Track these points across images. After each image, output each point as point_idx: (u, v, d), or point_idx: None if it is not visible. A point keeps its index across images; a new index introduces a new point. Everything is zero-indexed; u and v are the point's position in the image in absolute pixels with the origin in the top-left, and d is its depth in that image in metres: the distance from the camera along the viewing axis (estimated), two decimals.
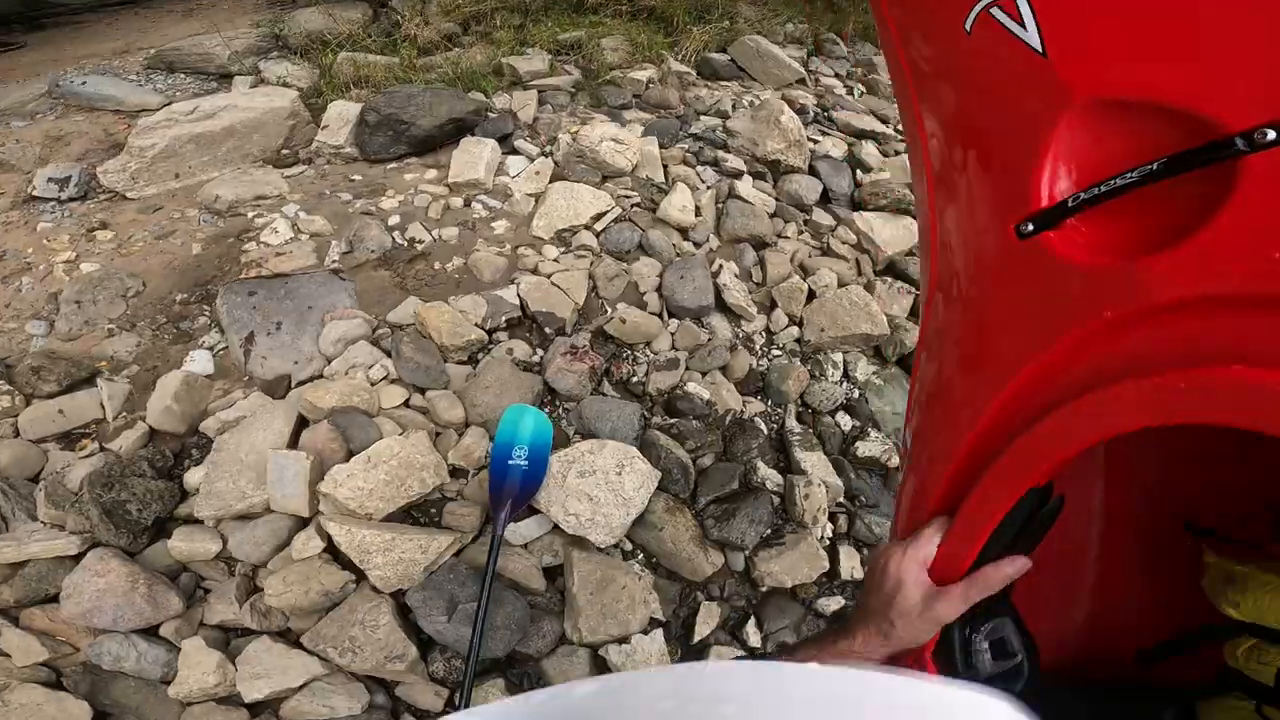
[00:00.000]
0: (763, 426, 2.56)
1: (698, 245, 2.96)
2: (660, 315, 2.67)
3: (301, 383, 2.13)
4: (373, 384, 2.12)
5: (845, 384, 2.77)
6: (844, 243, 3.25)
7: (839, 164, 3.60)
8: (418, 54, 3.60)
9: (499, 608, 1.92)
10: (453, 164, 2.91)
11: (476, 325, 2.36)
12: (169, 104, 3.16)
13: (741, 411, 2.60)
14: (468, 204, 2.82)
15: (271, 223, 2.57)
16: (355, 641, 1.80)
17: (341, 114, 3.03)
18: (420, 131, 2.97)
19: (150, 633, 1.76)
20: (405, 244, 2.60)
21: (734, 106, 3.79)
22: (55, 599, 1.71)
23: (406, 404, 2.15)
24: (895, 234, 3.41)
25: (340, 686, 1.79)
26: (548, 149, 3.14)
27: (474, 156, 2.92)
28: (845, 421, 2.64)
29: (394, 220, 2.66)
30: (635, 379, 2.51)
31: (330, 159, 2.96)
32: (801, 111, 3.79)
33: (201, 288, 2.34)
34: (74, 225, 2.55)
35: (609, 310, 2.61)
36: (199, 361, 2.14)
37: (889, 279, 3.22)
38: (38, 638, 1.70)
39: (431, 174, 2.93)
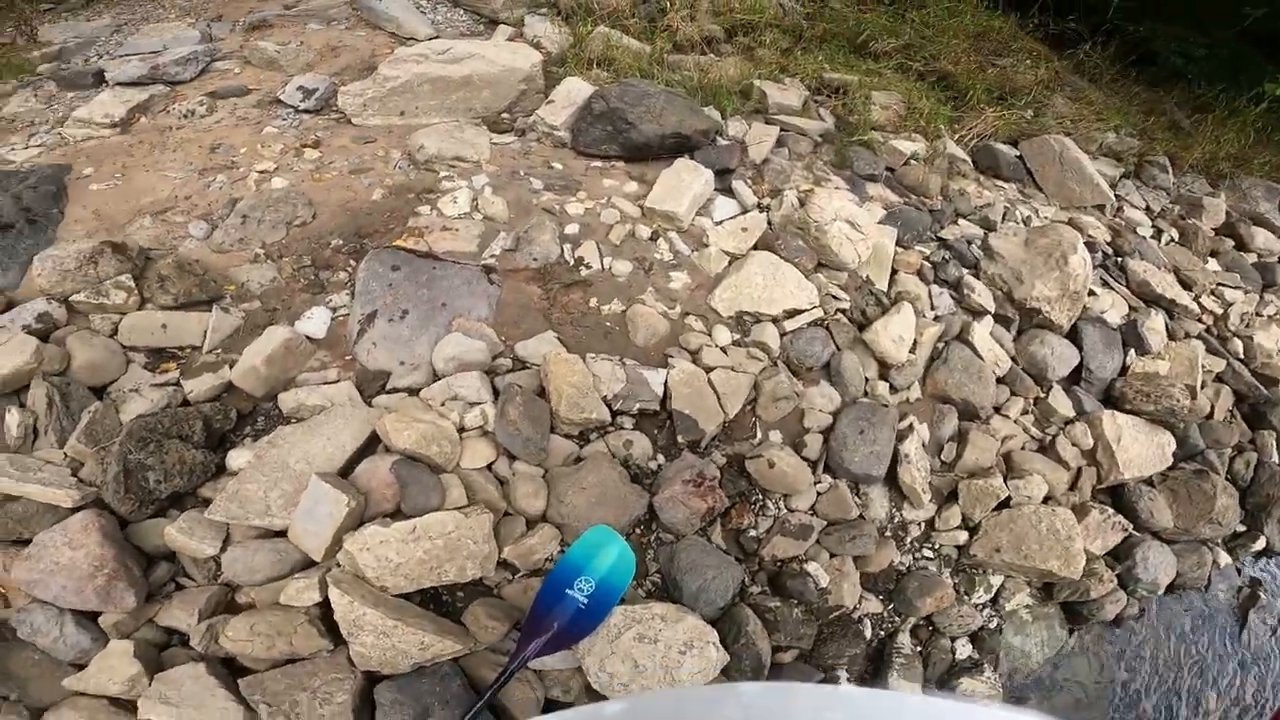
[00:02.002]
0: (868, 632, 1.92)
1: (894, 390, 2.16)
2: (815, 466, 1.94)
3: (397, 390, 1.69)
4: (462, 431, 1.62)
5: (988, 610, 2.07)
6: (1074, 444, 2.28)
7: (1111, 334, 2.55)
8: (672, 49, 2.98)
9: None
10: (657, 184, 2.30)
11: (604, 402, 1.78)
12: (433, 38, 2.84)
13: (854, 609, 1.90)
14: (654, 238, 2.21)
15: (455, 191, 2.13)
16: (297, 708, 1.37)
17: (570, 93, 2.52)
18: (639, 137, 2.38)
19: (87, 617, 1.44)
20: (571, 262, 2.06)
21: (1004, 216, 2.81)
22: (27, 543, 1.42)
23: (489, 467, 1.64)
24: (1145, 453, 2.36)
25: None
26: (766, 202, 2.42)
27: (682, 184, 2.29)
28: (963, 650, 2.00)
29: (571, 230, 2.12)
30: (753, 534, 1.83)
31: (541, 138, 2.48)
32: (1090, 247, 2.72)
33: (359, 239, 1.97)
34: (293, 137, 2.29)
35: (760, 436, 1.92)
36: (315, 320, 1.77)
37: (1109, 508, 2.21)
38: None
39: (632, 187, 2.34)
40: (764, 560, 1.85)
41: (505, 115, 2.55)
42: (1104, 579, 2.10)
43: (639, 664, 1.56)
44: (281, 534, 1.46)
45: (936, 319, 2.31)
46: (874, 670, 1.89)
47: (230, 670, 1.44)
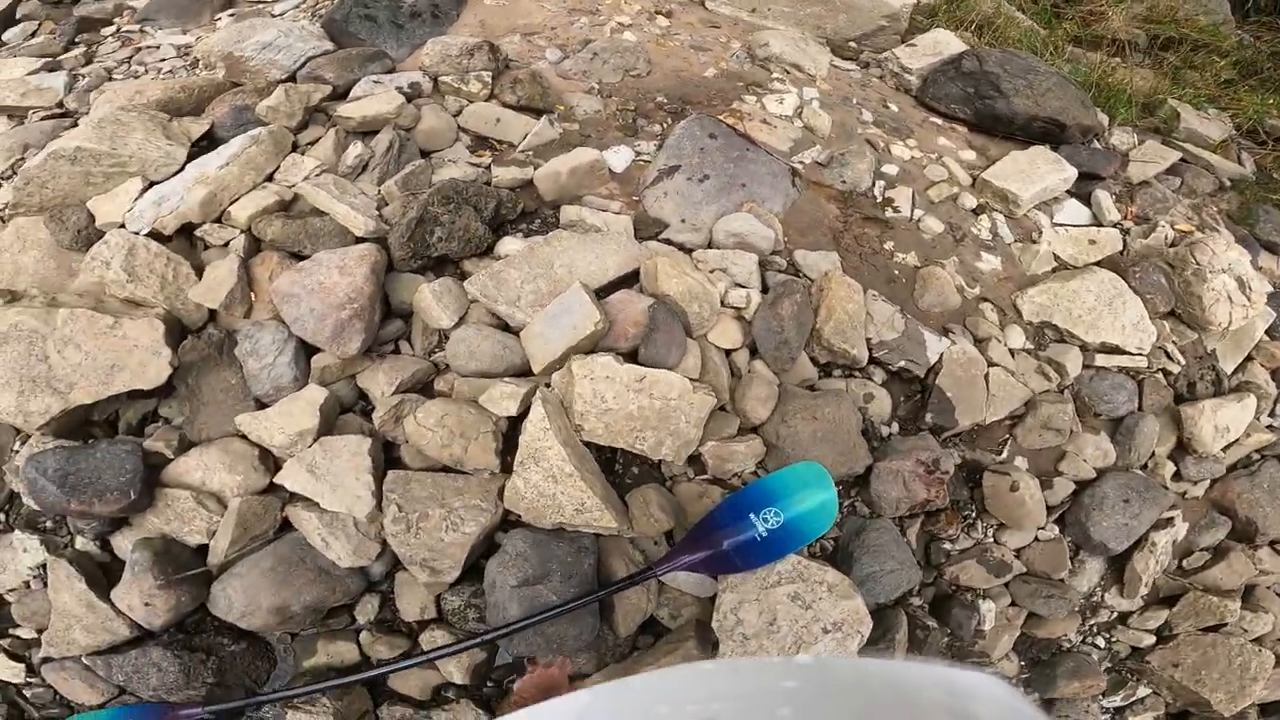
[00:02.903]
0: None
1: (1178, 479, 1.75)
2: (1049, 509, 1.61)
3: (671, 243, 1.56)
4: (721, 305, 1.44)
5: (1108, 716, 1.87)
6: None
7: None
8: (1071, 42, 2.47)
9: (568, 625, 1.26)
10: (1004, 161, 1.90)
11: (868, 343, 1.48)
12: None
13: (988, 664, 1.67)
14: (978, 212, 1.82)
15: (784, 94, 1.95)
16: (424, 522, 1.31)
17: (938, 43, 2.19)
18: (1005, 109, 1.98)
19: (305, 354, 1.42)
20: (879, 199, 1.77)
21: None
22: (302, 259, 1.46)
23: (729, 353, 1.44)
24: None
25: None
26: (1127, 225, 1.88)
27: (1033, 171, 1.86)
28: None
29: (889, 169, 1.83)
30: (947, 547, 1.50)
31: (886, 76, 2.19)
32: None
33: (681, 104, 1.88)
34: (651, 2, 2.27)
35: (1006, 455, 1.54)
36: (620, 156, 1.71)
37: None
38: (239, 281, 1.42)
39: (968, 155, 1.97)
40: (943, 578, 1.56)
41: (853, 44, 2.30)
42: None
43: (776, 622, 1.30)
44: (515, 332, 1.40)
45: (1271, 428, 1.81)
46: None
47: (386, 460, 1.40)
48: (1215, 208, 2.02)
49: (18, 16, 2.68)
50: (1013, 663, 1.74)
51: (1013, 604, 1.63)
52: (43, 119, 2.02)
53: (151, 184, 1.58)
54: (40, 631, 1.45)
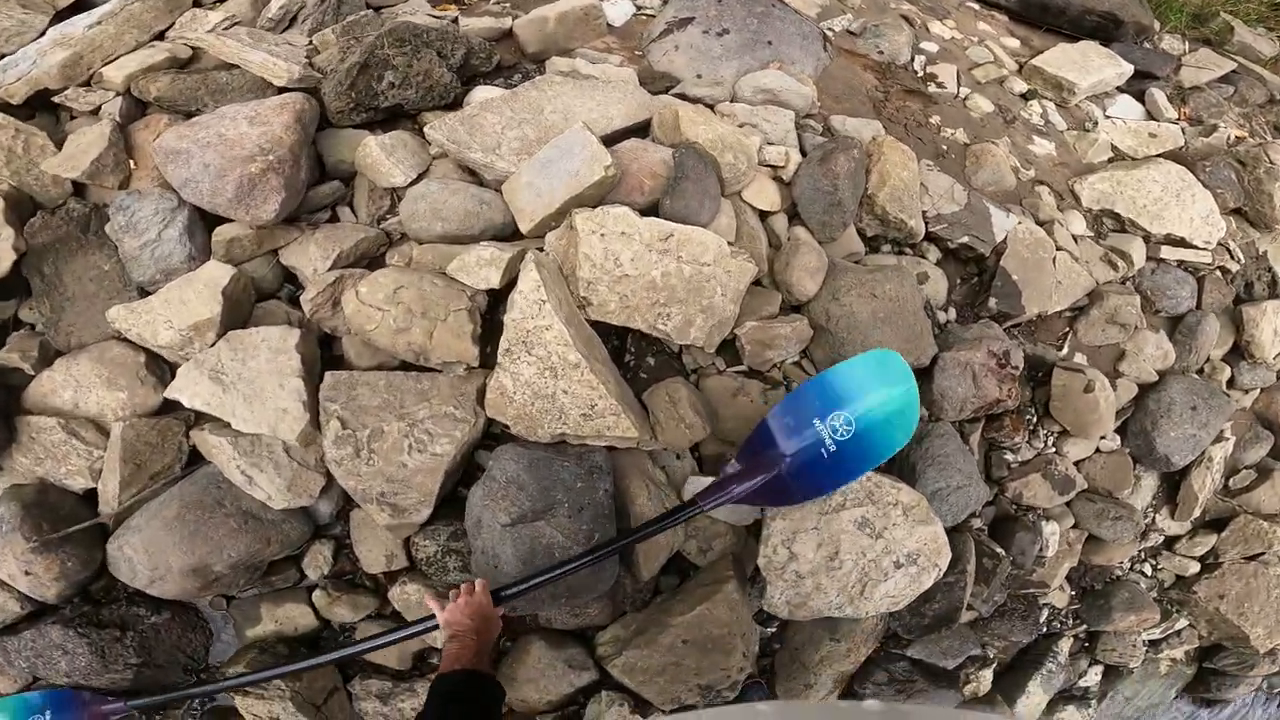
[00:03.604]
0: (1043, 619, 1.56)
1: (1232, 385, 1.62)
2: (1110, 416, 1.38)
3: (686, 98, 1.26)
4: (757, 164, 1.15)
5: (1146, 649, 1.72)
6: None
7: None
8: None
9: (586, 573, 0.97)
10: (1054, 51, 1.71)
11: (924, 217, 1.23)
12: None
13: (1043, 596, 1.52)
14: (1027, 97, 1.62)
15: None
16: (375, 441, 0.99)
17: None
18: (1058, 2, 1.76)
19: (203, 224, 1.07)
20: (919, 73, 1.52)
21: None
22: (191, 115, 1.11)
23: (766, 217, 1.15)
24: None
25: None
26: (1182, 125, 1.70)
27: (1088, 63, 1.69)
28: (1092, 677, 1.69)
29: (928, 46, 1.58)
30: (1010, 458, 1.31)
31: None
32: None
33: None
34: None
35: (1067, 352, 1.32)
36: (618, 9, 1.42)
37: None
38: (111, 147, 1.08)
39: (1012, 43, 1.76)
40: (1005, 494, 1.35)
41: None
42: (1278, 660, 1.76)
43: (838, 557, 1.04)
44: (494, 187, 1.08)
45: None
46: (1013, 665, 1.56)
47: (323, 360, 1.06)
48: (1265, 119, 1.88)
49: None
50: (1064, 593, 1.56)
51: (1075, 526, 1.42)
52: None
53: (2, 56, 1.20)
54: None
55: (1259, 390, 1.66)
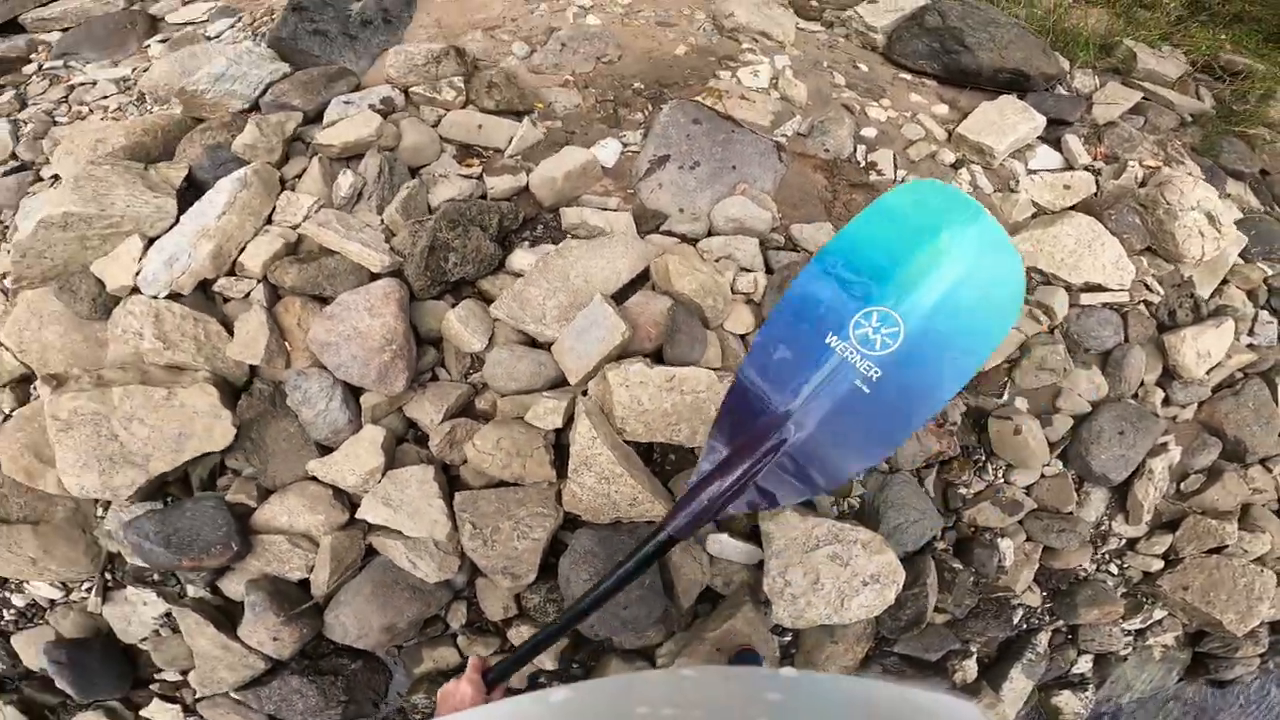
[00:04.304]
0: (1015, 619, 1.87)
1: (1168, 404, 1.86)
2: (1052, 449, 1.72)
3: (673, 234, 1.60)
4: (732, 293, 1.51)
5: (1129, 638, 2.02)
6: None
7: None
8: None
9: (639, 606, 1.37)
10: (975, 114, 1.97)
11: None
12: None
13: (1013, 598, 1.84)
14: (957, 166, 1.90)
15: (756, 65, 1.97)
16: (496, 535, 1.40)
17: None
18: (971, 63, 2.03)
19: (352, 395, 1.48)
20: (862, 164, 1.83)
21: None
22: (324, 300, 1.47)
23: (744, 336, 1.52)
24: None
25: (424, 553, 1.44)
26: (1098, 166, 1.98)
27: (1005, 123, 1.94)
28: (1083, 665, 1.99)
29: (868, 132, 1.88)
30: (963, 492, 1.65)
31: (851, 35, 2.21)
32: None
33: (659, 88, 1.89)
34: None
35: (1006, 399, 1.68)
36: (608, 150, 1.73)
37: None
38: (271, 333, 1.44)
39: (941, 110, 2.02)
40: (962, 521, 1.70)
41: (815, 3, 2.30)
42: (1261, 642, 2.02)
43: (819, 581, 1.43)
44: (545, 346, 1.46)
45: (1251, 347, 1.91)
46: (1000, 657, 1.89)
47: (449, 481, 1.47)
48: (1179, 142, 2.12)
49: None
50: (1035, 594, 1.85)
51: (1028, 539, 1.75)
52: (4, 174, 1.94)
53: (151, 240, 1.56)
54: (184, 674, 1.57)
55: (1197, 404, 1.86)
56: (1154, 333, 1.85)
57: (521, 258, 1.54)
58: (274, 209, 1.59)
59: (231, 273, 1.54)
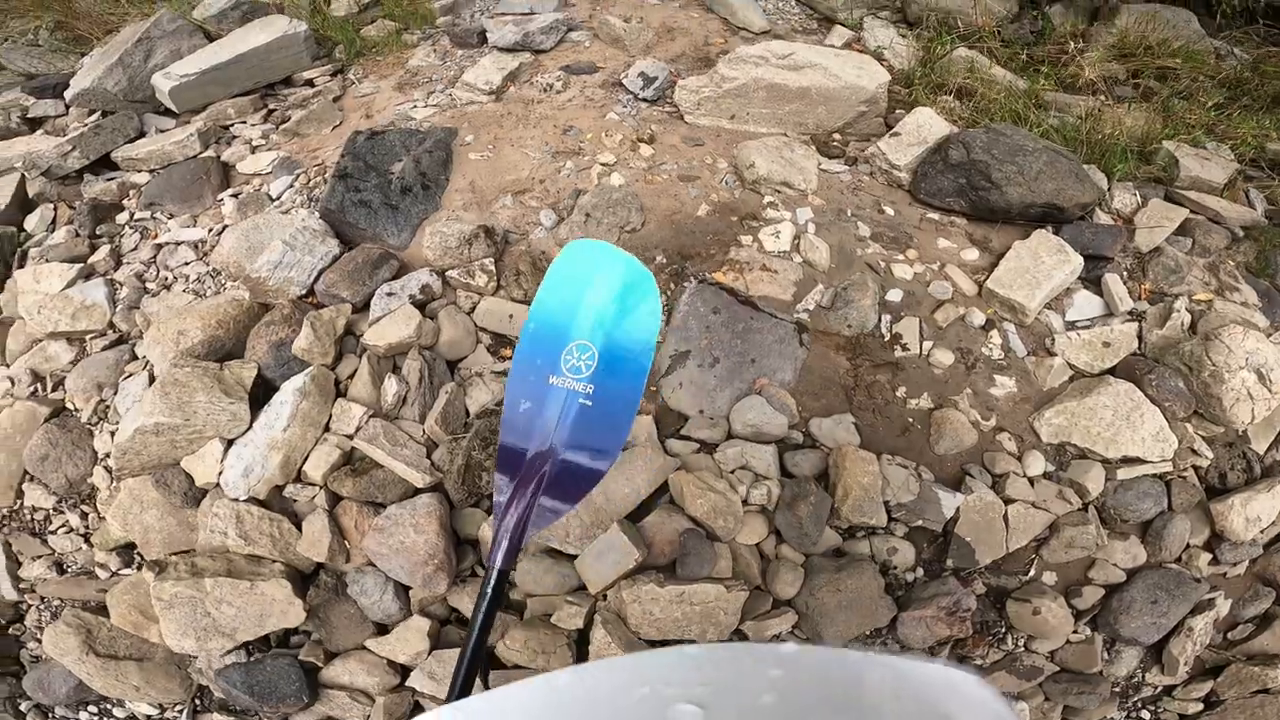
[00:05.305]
0: None
1: (1215, 563, 1.79)
2: (1079, 616, 1.72)
3: (692, 439, 1.67)
4: (744, 504, 1.57)
5: None
6: None
7: None
8: (1055, 86, 2.35)
9: None
10: (1007, 261, 1.90)
11: (885, 506, 1.60)
12: (767, 32, 2.58)
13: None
14: (987, 328, 1.85)
15: (778, 223, 1.97)
16: None
17: (921, 128, 2.13)
18: (999, 201, 1.95)
19: (403, 589, 1.68)
20: (886, 337, 1.82)
21: None
22: (379, 506, 1.66)
23: (758, 544, 1.58)
24: None
25: None
26: (1142, 307, 1.88)
27: (1039, 268, 1.86)
28: None
29: (893, 296, 1.86)
30: (979, 662, 1.69)
31: (875, 172, 2.16)
32: None
33: (681, 259, 1.93)
34: (631, 128, 2.27)
35: (1033, 574, 1.69)
36: None
37: None
38: (333, 535, 1.66)
39: (971, 255, 1.97)
40: None
41: (837, 136, 2.26)
42: None
43: None
44: (569, 558, 1.57)
45: None
46: None
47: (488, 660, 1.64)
48: (1231, 263, 1.98)
49: (31, 195, 2.83)
50: None
51: (1046, 699, 1.78)
52: (103, 349, 2.21)
53: (230, 442, 1.79)
54: None
55: (1248, 561, 1.78)
56: (1201, 498, 1.77)
57: None
58: (330, 416, 1.77)
59: (298, 479, 1.74)
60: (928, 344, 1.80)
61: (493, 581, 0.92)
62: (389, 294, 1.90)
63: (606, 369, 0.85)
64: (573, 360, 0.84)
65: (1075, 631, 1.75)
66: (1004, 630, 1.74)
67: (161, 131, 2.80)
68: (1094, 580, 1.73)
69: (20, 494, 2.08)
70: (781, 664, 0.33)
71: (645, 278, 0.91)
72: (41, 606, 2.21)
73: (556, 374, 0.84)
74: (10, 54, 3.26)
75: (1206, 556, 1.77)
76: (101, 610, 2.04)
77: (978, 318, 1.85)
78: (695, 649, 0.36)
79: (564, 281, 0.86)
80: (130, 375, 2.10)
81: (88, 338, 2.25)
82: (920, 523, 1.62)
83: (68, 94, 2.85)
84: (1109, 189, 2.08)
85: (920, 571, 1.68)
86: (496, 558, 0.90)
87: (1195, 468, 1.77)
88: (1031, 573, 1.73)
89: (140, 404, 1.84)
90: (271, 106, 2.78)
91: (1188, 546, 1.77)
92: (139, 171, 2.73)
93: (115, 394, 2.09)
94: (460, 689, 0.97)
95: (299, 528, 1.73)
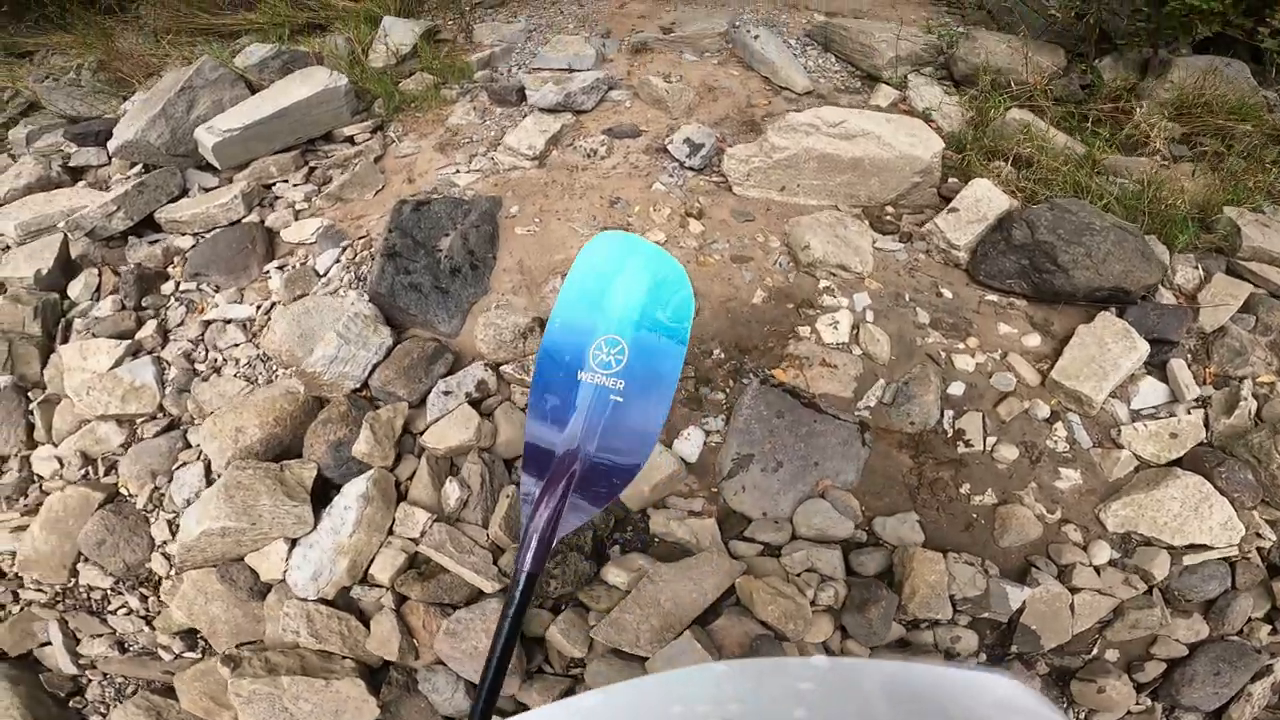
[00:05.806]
0: None
1: (1276, 633, 1.83)
2: (1141, 689, 1.77)
3: (756, 542, 1.67)
4: (812, 605, 1.58)
5: None
6: None
7: None
8: (1112, 146, 2.30)
9: None
10: (1071, 349, 1.88)
11: (952, 601, 1.60)
12: (810, 92, 2.54)
13: None
14: (1052, 420, 1.84)
15: (835, 312, 1.95)
16: None
17: (979, 203, 2.10)
18: (1065, 285, 1.92)
19: (472, 686, 1.68)
20: (949, 433, 1.81)
21: None
22: (450, 608, 1.68)
23: (824, 641, 1.59)
24: None
25: None
26: (1207, 393, 1.86)
27: (1106, 357, 1.84)
28: None
29: (955, 389, 1.84)
30: None
31: (931, 250, 2.13)
32: None
33: (739, 354, 1.92)
34: (678, 200, 2.25)
35: (1096, 653, 1.71)
36: (692, 442, 1.79)
37: None
38: (401, 635, 1.68)
39: (1033, 341, 1.94)
40: None
41: (890, 211, 2.23)
42: None
43: None
44: (640, 659, 1.58)
45: None
46: None
47: None
48: None
49: (74, 257, 2.85)
50: None
51: None
52: (155, 434, 2.23)
53: (294, 541, 1.82)
54: None
55: None
56: (1265, 577, 1.79)
57: (615, 574, 1.66)
58: (394, 520, 1.79)
59: (364, 580, 1.76)
60: (991, 439, 1.79)
61: (521, 585, 0.91)
62: (445, 392, 1.90)
63: (638, 363, 0.82)
64: (602, 355, 0.82)
65: (1137, 703, 1.77)
66: (1066, 706, 1.75)
67: (205, 190, 2.78)
68: (1156, 655, 1.77)
69: (75, 573, 2.12)
70: (812, 678, 0.32)
71: (676, 268, 0.90)
72: (104, 682, 2.27)
73: (585, 369, 0.82)
74: (52, 94, 3.26)
75: (1267, 628, 1.81)
76: (167, 691, 2.09)
77: (1042, 410, 1.83)
78: (723, 666, 0.36)
79: (590, 274, 0.83)
80: (184, 464, 2.12)
81: (138, 420, 2.28)
82: (985, 614, 1.62)
83: (111, 144, 2.81)
84: (1171, 263, 2.05)
85: (984, 657, 1.68)
86: (525, 560, 0.88)
87: (1259, 549, 1.78)
88: (1094, 651, 1.74)
89: (204, 505, 1.87)
90: (312, 164, 2.76)
91: (1249, 620, 1.80)
92: (183, 235, 2.72)
93: (170, 482, 2.11)
94: (486, 698, 0.97)
95: (366, 625, 1.76)
